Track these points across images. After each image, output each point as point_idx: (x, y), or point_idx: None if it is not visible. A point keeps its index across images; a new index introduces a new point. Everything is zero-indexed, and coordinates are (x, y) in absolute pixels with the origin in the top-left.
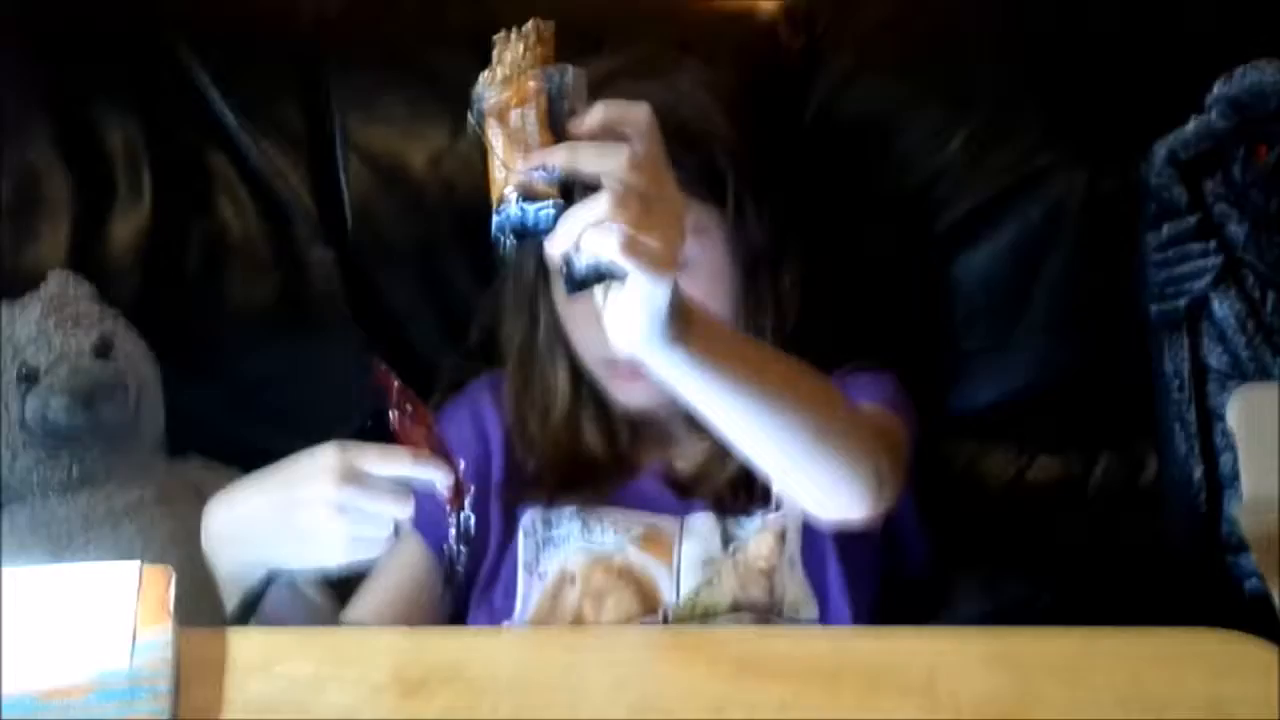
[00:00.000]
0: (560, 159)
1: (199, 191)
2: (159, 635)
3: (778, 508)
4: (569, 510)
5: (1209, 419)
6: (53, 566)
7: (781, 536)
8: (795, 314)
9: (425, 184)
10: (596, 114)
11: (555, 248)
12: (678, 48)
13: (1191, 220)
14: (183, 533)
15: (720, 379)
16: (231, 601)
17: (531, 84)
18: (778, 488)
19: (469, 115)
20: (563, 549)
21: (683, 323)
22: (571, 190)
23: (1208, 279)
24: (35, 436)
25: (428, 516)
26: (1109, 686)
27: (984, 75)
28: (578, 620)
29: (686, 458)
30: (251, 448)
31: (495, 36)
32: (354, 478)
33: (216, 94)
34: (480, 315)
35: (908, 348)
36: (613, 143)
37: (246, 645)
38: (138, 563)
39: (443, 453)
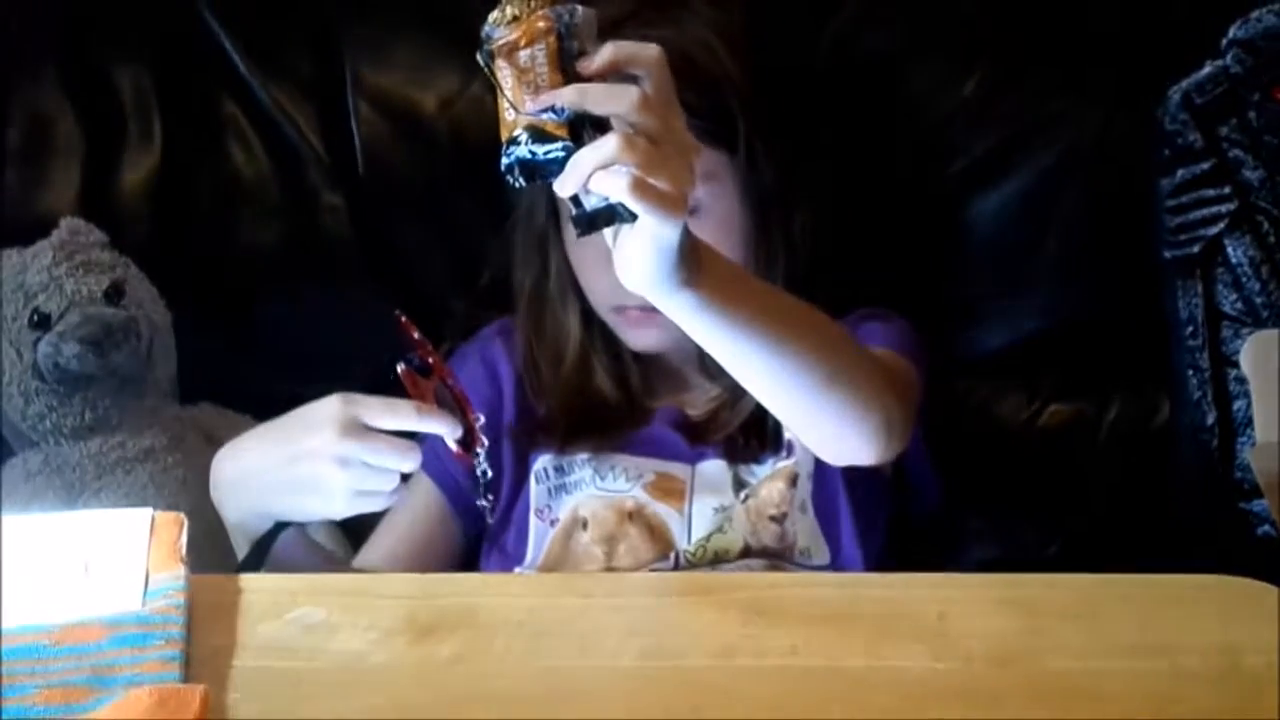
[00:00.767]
0: (569, 99)
1: (210, 137)
2: (172, 581)
3: (789, 453)
4: (581, 456)
5: (1222, 365)
6: (65, 513)
7: (793, 481)
8: (807, 259)
9: (436, 128)
10: (606, 54)
11: (564, 189)
12: None
13: (1206, 165)
14: (194, 479)
15: (731, 321)
16: (241, 550)
17: (540, 23)
18: (789, 432)
19: (478, 55)
20: (575, 494)
21: (693, 265)
22: (581, 131)
23: (1222, 224)
24: (48, 382)
25: (439, 462)
26: (1120, 632)
27: (996, 18)
28: (590, 565)
29: (698, 404)
30: (264, 394)
31: None
32: (356, 430)
33: (227, 39)
34: (491, 260)
35: (919, 292)
36: (622, 84)
37: (258, 590)
38: (150, 509)
39: (462, 405)
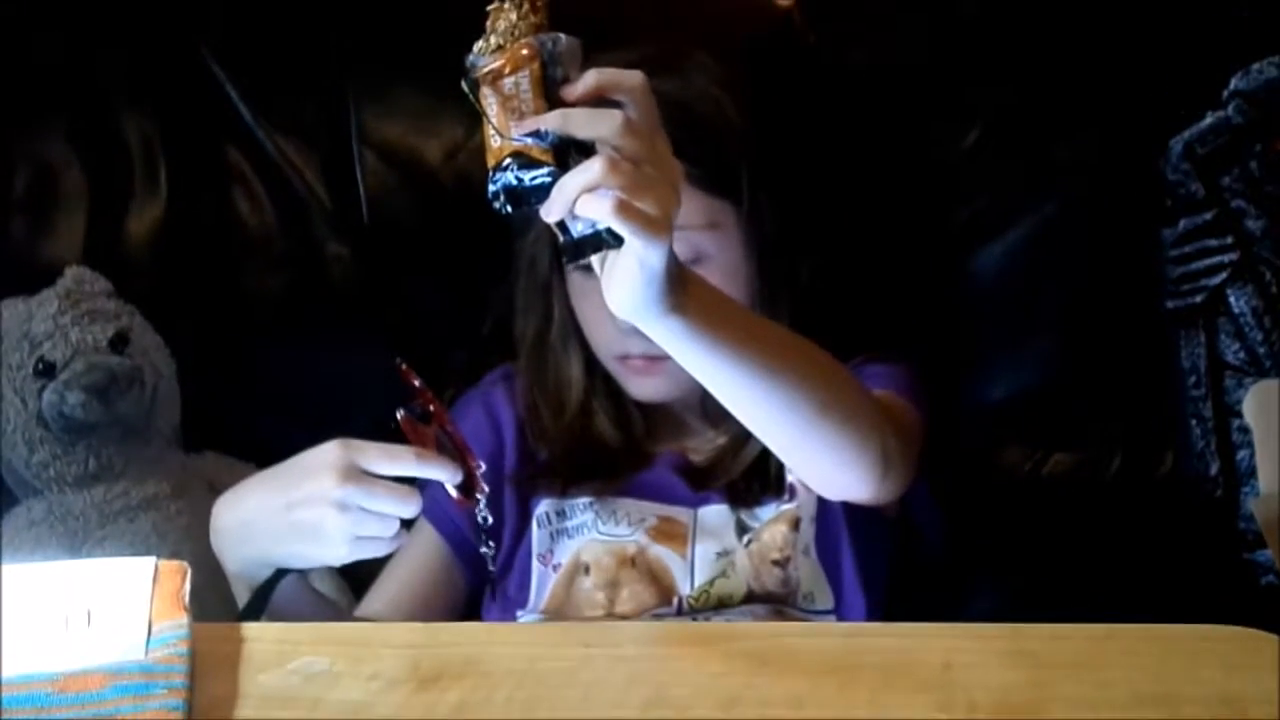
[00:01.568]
0: (553, 124)
1: (215, 186)
2: (174, 629)
3: (791, 497)
4: (583, 500)
5: (1226, 414)
6: (69, 561)
7: (795, 525)
8: (811, 309)
9: (440, 177)
10: (589, 79)
11: (550, 214)
12: (690, 42)
13: (1208, 215)
14: (198, 527)
15: (719, 348)
16: (242, 598)
17: (524, 51)
18: (791, 476)
19: (463, 82)
20: (577, 539)
21: (680, 290)
22: (566, 156)
23: (1225, 274)
24: (52, 431)
25: (441, 509)
26: (1125, 683)
27: (1000, 71)
28: (592, 610)
29: (701, 449)
30: (267, 442)
31: (490, 6)
32: (355, 476)
33: (232, 89)
34: (493, 309)
35: (923, 341)
36: (605, 109)
37: (261, 640)
38: (153, 558)
39: (463, 452)
